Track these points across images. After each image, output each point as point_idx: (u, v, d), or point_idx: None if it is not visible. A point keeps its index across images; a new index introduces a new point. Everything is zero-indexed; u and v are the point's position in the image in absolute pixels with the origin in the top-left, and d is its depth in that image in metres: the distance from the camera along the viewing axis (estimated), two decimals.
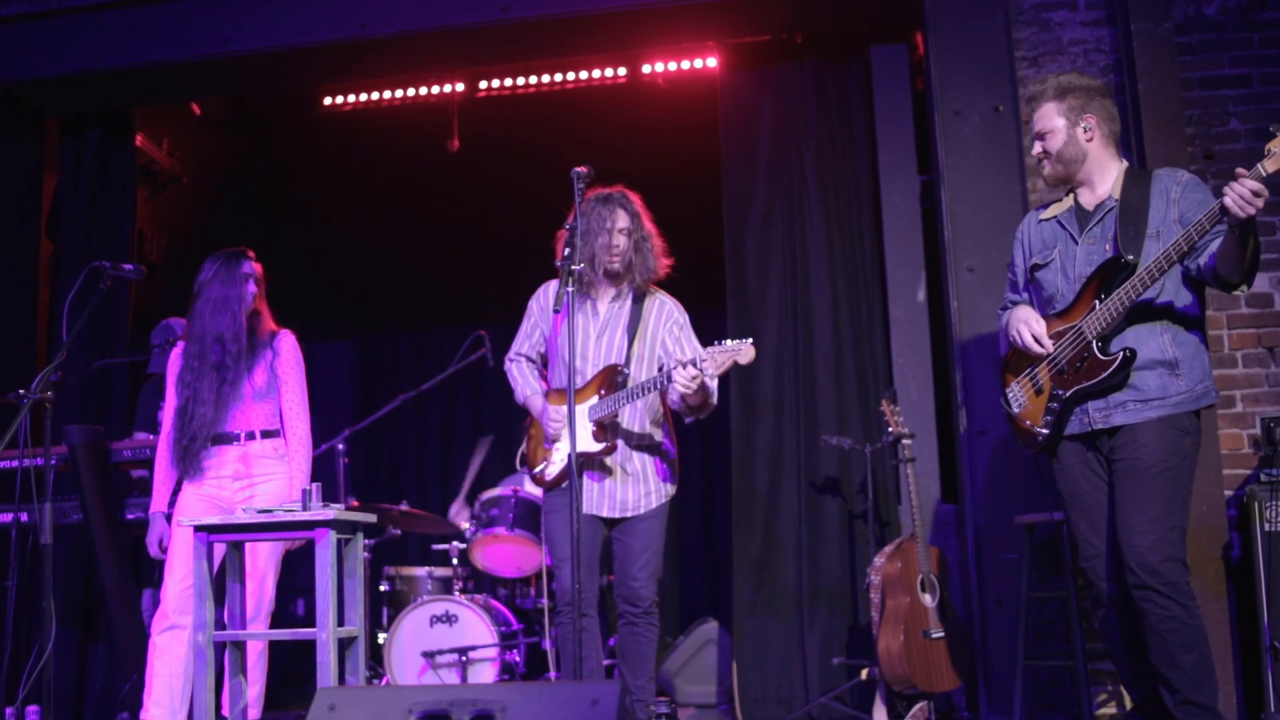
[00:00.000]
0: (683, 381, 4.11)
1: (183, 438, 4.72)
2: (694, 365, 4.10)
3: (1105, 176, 3.94)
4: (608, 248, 4.42)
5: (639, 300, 4.50)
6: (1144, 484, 3.68)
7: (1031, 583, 4.89)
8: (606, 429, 4.40)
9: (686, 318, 4.58)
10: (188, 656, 4.60)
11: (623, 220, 4.44)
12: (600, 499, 4.43)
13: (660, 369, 4.46)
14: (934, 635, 4.99)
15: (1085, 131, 3.91)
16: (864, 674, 5.27)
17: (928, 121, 5.61)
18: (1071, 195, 4.04)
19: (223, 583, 4.33)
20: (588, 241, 4.39)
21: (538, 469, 4.55)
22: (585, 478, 4.42)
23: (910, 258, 5.76)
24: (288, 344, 4.89)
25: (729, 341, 4.11)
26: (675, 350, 4.43)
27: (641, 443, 4.47)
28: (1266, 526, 4.53)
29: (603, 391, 4.39)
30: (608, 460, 4.42)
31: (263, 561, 4.71)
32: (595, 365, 4.46)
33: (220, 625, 4.31)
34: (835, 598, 5.73)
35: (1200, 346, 3.81)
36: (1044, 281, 3.99)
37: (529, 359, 4.66)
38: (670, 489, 4.53)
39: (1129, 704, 3.96)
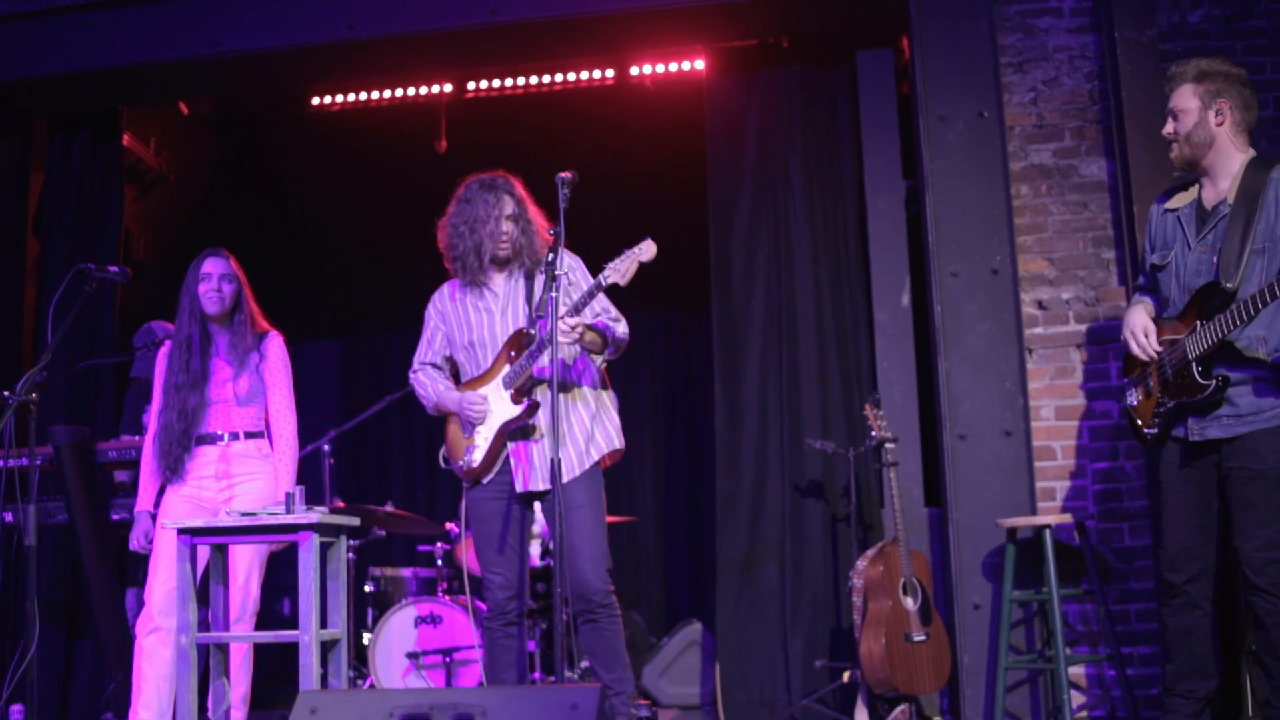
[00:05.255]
0: (563, 334, 4.12)
1: (164, 443, 4.76)
2: (571, 314, 4.14)
3: (1228, 168, 3.98)
4: (494, 235, 4.40)
5: (530, 276, 4.47)
6: (1253, 490, 3.81)
7: (1013, 586, 4.92)
8: (524, 392, 4.35)
9: (579, 261, 4.51)
10: (171, 657, 4.61)
11: (509, 207, 4.44)
12: (530, 472, 4.33)
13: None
14: (915, 638, 5.02)
15: (1217, 115, 3.97)
16: (846, 676, 5.30)
17: (913, 126, 5.63)
18: (1196, 187, 4.08)
19: (207, 584, 4.35)
20: (474, 229, 4.41)
21: (462, 460, 4.44)
22: (511, 456, 4.36)
23: (895, 262, 5.78)
24: (275, 347, 4.92)
25: (628, 249, 4.15)
26: (573, 292, 4.36)
27: (566, 399, 4.38)
28: None
29: (512, 355, 4.36)
30: (534, 423, 4.34)
31: (245, 563, 4.71)
32: (505, 340, 4.44)
33: (204, 627, 4.32)
34: (818, 600, 5.75)
35: None
36: (1161, 284, 4.12)
37: (435, 366, 4.61)
38: (604, 445, 4.41)
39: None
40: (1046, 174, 5.36)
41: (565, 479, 4.24)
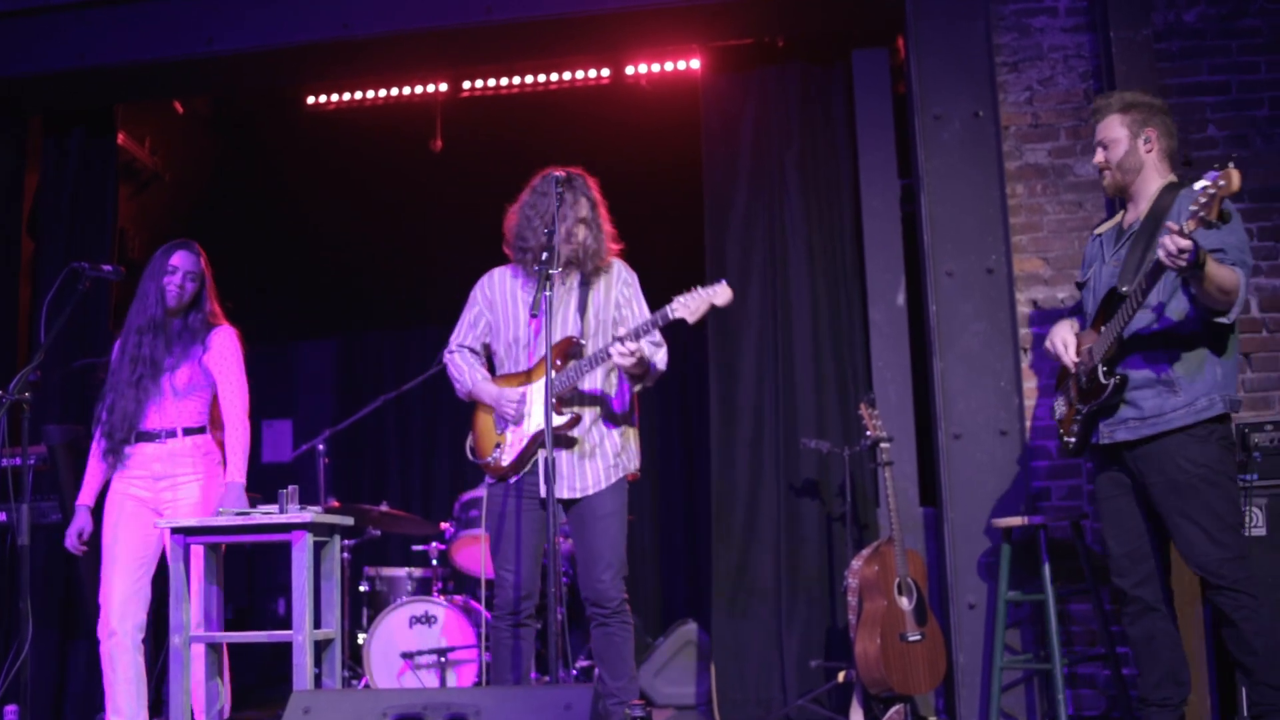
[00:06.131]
0: (620, 355, 4.09)
1: (108, 431, 4.73)
2: (632, 339, 4.09)
3: (1148, 191, 4.08)
4: (568, 234, 4.27)
5: (585, 282, 4.36)
6: (1180, 499, 3.87)
7: (1008, 585, 4.91)
8: (566, 403, 4.26)
9: (635, 277, 4.46)
10: (136, 660, 4.61)
11: (584, 209, 4.31)
12: (559, 480, 4.22)
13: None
14: (911, 638, 5.01)
15: (1145, 144, 4.07)
16: (841, 676, 5.30)
17: (908, 126, 5.62)
18: (1123, 213, 4.20)
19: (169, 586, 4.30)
20: (547, 224, 4.21)
21: (491, 456, 4.35)
22: (542, 458, 4.23)
23: (890, 261, 5.78)
24: (219, 339, 4.81)
25: (700, 288, 4.09)
26: (626, 313, 4.33)
27: (601, 415, 4.33)
28: (1243, 532, 4.55)
29: (559, 363, 4.25)
30: (571, 434, 4.25)
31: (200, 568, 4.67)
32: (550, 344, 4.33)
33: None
34: (813, 600, 5.75)
35: (1205, 361, 3.89)
36: (1084, 299, 4.26)
37: (472, 350, 4.50)
38: (629, 464, 4.36)
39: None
40: (1041, 173, 5.36)
41: (593, 490, 4.26)
